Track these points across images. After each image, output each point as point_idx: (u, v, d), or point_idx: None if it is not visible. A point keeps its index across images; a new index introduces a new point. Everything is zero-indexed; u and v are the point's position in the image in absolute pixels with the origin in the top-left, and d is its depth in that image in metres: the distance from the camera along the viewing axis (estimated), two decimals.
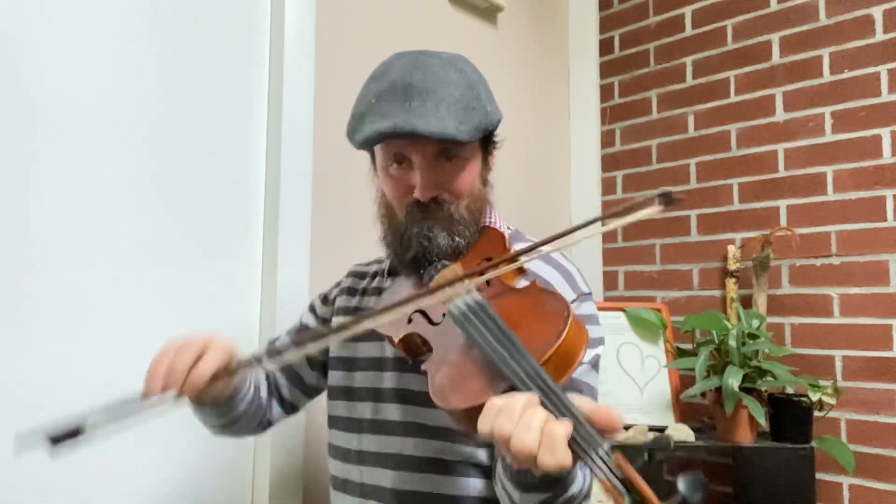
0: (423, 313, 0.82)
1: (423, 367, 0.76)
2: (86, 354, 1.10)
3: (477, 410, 0.63)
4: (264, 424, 1.06)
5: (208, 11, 1.31)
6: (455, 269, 0.85)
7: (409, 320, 0.82)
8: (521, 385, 0.62)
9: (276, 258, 1.33)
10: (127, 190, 1.17)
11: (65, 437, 0.69)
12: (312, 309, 1.11)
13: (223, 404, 0.90)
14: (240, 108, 1.35)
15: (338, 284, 1.12)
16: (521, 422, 0.57)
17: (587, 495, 0.77)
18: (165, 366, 0.77)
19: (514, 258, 0.78)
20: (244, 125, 1.36)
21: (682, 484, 0.52)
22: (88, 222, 1.12)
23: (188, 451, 1.22)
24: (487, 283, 0.81)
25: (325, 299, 1.11)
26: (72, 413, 0.72)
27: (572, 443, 0.57)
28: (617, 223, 0.75)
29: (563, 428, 0.57)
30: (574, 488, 0.73)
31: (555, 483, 0.69)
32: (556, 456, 0.56)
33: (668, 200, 0.69)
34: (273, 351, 0.79)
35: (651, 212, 0.70)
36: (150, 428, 1.17)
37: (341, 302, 1.07)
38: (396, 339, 0.82)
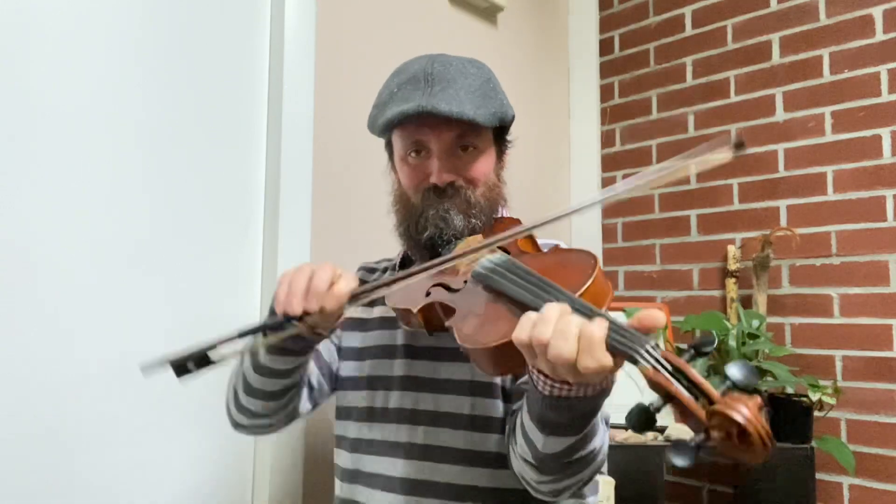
0: (444, 285, 0.83)
1: (447, 323, 0.76)
2: (85, 352, 1.10)
3: (506, 347, 0.63)
4: (292, 414, 1.01)
5: (208, 11, 1.31)
6: (476, 237, 0.87)
7: (428, 293, 0.82)
8: None
9: (276, 256, 1.33)
10: (127, 188, 1.17)
11: (190, 361, 0.70)
12: None
13: (302, 353, 0.87)
14: (240, 107, 1.35)
15: None
16: (556, 329, 0.58)
17: (602, 462, 0.77)
18: (304, 285, 0.74)
19: (538, 226, 0.75)
20: (244, 124, 1.36)
21: (732, 369, 0.52)
22: (88, 220, 1.12)
23: (188, 449, 1.22)
24: (508, 253, 0.82)
25: None
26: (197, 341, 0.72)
27: (616, 342, 0.57)
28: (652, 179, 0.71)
29: (600, 328, 0.57)
30: (595, 441, 0.73)
31: (580, 424, 0.69)
32: (595, 358, 0.56)
33: (738, 145, 0.66)
34: (358, 292, 0.77)
35: (721, 157, 0.66)
36: (150, 426, 1.17)
37: None
38: (416, 310, 0.81)
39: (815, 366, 1.72)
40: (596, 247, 2.18)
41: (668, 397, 0.53)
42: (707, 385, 0.52)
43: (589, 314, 0.59)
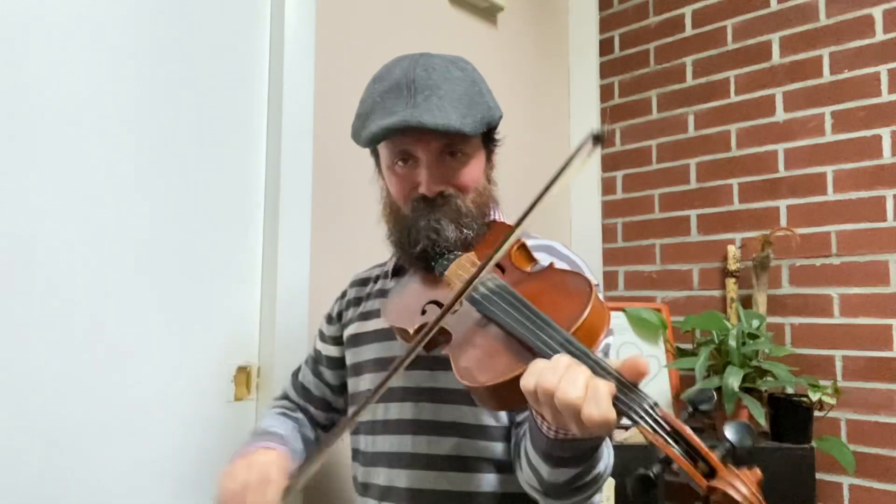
0: (438, 303, 0.82)
1: (444, 351, 0.75)
2: (85, 352, 1.10)
3: (505, 386, 0.63)
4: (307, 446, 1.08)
5: (208, 11, 1.31)
6: (470, 257, 0.85)
7: (423, 311, 0.82)
8: (552, 354, 0.61)
9: (276, 256, 1.33)
10: (127, 189, 1.17)
11: None
12: (322, 336, 1.12)
13: None
14: (240, 108, 1.35)
15: (340, 297, 1.12)
16: (565, 377, 0.57)
17: (608, 477, 0.78)
18: None
19: (520, 223, 0.74)
20: (244, 125, 1.36)
21: (729, 431, 0.52)
22: (88, 220, 1.12)
23: (188, 449, 1.22)
24: (503, 271, 0.81)
25: (329, 318, 1.11)
26: None
27: (617, 401, 0.57)
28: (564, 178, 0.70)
29: (607, 385, 0.57)
30: (600, 466, 0.74)
31: (585, 456, 0.69)
32: (601, 409, 0.56)
33: (598, 139, 0.66)
34: (326, 441, 0.82)
35: (586, 152, 0.65)
36: (150, 426, 1.17)
37: (350, 314, 1.07)
38: (412, 331, 0.81)
39: (815, 366, 1.72)
40: (596, 247, 2.18)
41: (666, 460, 0.53)
42: (706, 450, 0.52)
43: (598, 372, 0.59)
